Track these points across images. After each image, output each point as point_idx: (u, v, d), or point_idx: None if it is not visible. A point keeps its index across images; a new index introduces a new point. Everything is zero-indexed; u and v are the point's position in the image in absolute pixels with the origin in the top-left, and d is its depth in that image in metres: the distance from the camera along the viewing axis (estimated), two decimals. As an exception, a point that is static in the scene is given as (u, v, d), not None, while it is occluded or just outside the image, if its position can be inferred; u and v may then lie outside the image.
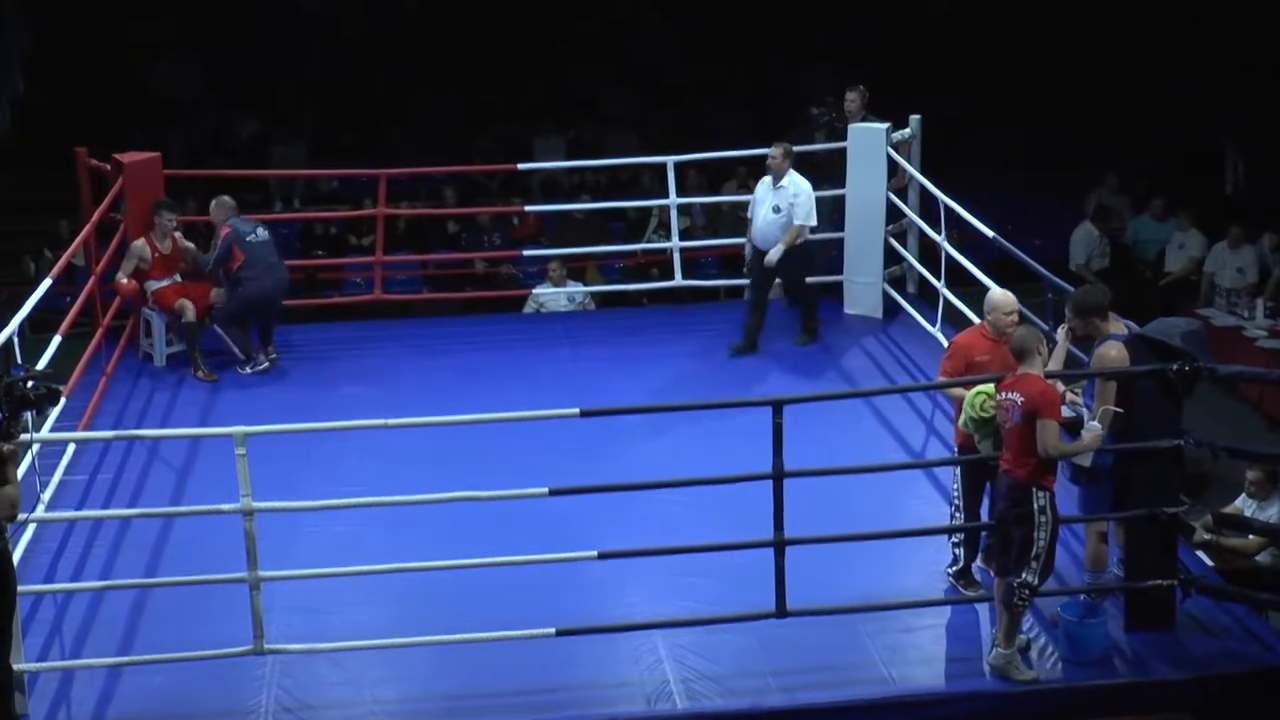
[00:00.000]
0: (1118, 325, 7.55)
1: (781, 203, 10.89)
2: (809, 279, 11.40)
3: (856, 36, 18.04)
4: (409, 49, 18.74)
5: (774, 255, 10.95)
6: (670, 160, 12.18)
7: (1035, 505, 7.05)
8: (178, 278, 11.15)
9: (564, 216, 15.69)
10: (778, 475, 7.24)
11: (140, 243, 10.98)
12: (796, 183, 10.92)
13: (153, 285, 11.03)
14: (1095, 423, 7.20)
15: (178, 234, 11.13)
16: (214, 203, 11.19)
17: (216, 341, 11.19)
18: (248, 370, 11.00)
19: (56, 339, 9.17)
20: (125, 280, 10.93)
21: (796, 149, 12.16)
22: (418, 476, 8.75)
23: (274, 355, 11.14)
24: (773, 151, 11.01)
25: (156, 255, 11.01)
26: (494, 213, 15.63)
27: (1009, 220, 14.17)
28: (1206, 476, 10.63)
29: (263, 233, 11.06)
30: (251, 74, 18.28)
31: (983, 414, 7.39)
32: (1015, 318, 7.80)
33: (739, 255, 14.35)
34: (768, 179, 11.05)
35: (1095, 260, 14.69)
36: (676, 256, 12.13)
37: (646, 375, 10.57)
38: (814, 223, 11.08)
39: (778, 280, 11.30)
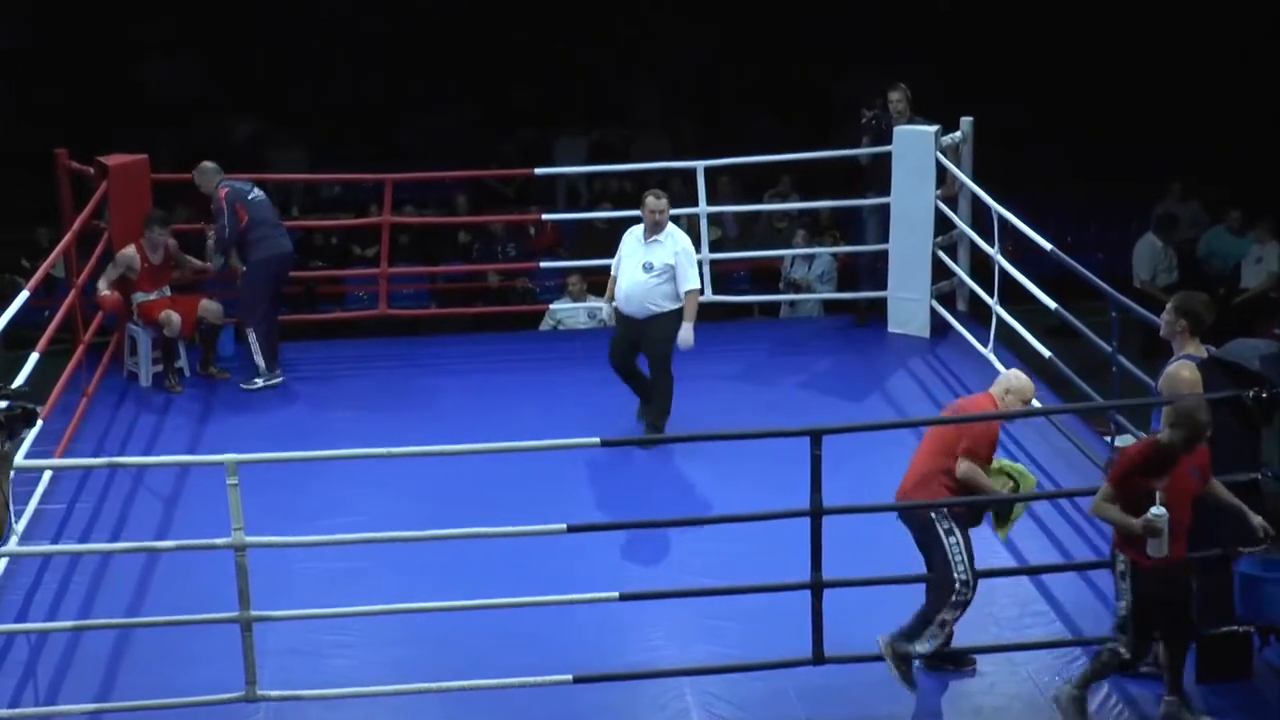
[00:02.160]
0: (1199, 348, 7.51)
1: (655, 260, 9.75)
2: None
3: (905, 38, 18.05)
4: (419, 44, 18.79)
5: (687, 337, 9.82)
6: (700, 165, 12.16)
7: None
8: (167, 290, 11.17)
9: (584, 226, 15.69)
10: (816, 513, 7.19)
11: (130, 250, 10.98)
12: (677, 238, 9.88)
13: (139, 298, 11.05)
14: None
15: (171, 242, 11.14)
16: (197, 172, 11.20)
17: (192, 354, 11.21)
18: (259, 384, 11.03)
19: (34, 356, 9.17)
20: (108, 292, 10.92)
21: (843, 153, 12.17)
22: (424, 509, 8.75)
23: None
24: (658, 203, 9.81)
25: (146, 266, 11.03)
26: (509, 222, 15.63)
27: (1068, 232, 14.13)
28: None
29: (259, 192, 11.17)
30: (248, 72, 18.36)
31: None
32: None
33: (774, 269, 14.39)
34: (637, 230, 9.93)
35: (1161, 275, 14.59)
36: (707, 270, 12.08)
37: (673, 399, 10.52)
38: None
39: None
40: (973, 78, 16.97)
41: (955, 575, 7.29)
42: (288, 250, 11.20)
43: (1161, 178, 16.47)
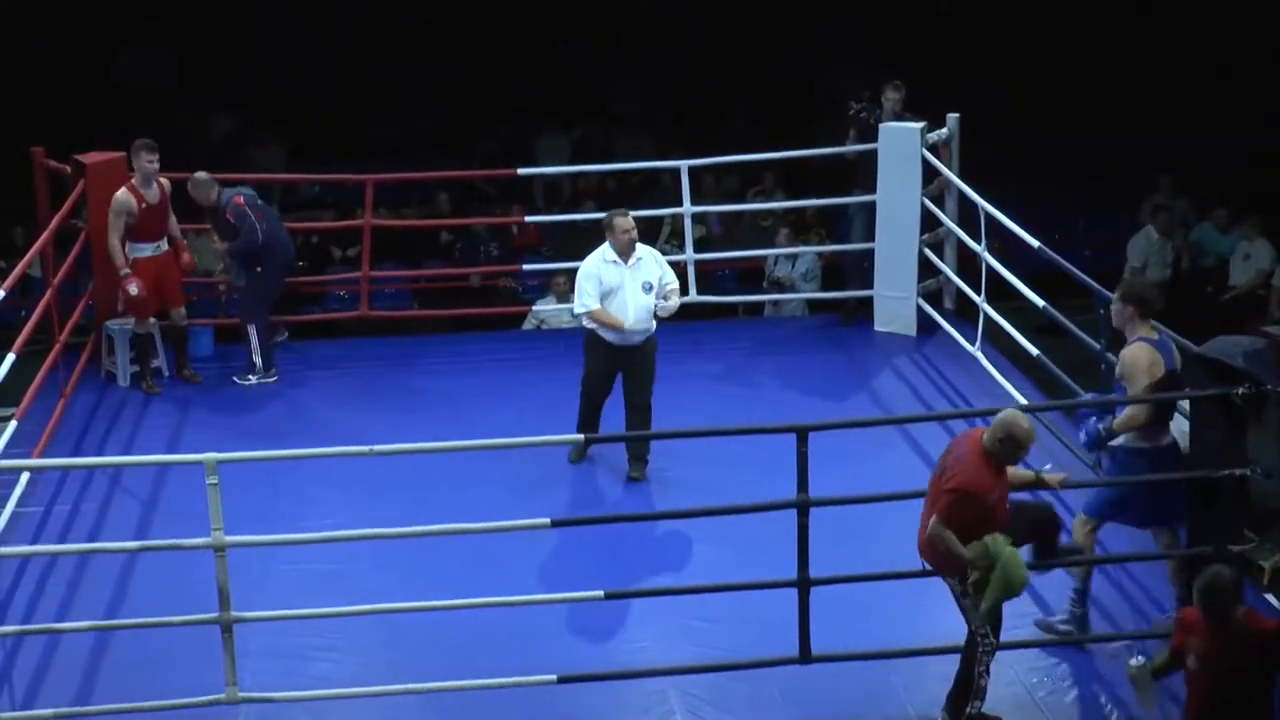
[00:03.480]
0: (1151, 330, 7.66)
1: (650, 277, 9.48)
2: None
3: (891, 34, 18.08)
4: (400, 39, 18.77)
5: (673, 305, 9.58)
6: (684, 164, 12.17)
7: None
8: (164, 245, 10.97)
9: (568, 225, 15.70)
10: (802, 505, 7.21)
11: (123, 195, 10.72)
12: (649, 249, 9.65)
13: (137, 251, 10.82)
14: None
15: (163, 180, 10.92)
16: (192, 184, 11.07)
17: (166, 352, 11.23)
18: (253, 380, 11.08)
19: (10, 357, 9.16)
20: (136, 290, 10.69)
21: (828, 151, 12.19)
22: (405, 509, 8.76)
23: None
24: (627, 222, 9.51)
25: (144, 207, 10.77)
26: (491, 222, 15.63)
27: (1056, 229, 14.15)
28: (1276, 511, 10.56)
29: (253, 193, 11.25)
30: (227, 67, 18.32)
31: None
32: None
33: (759, 269, 14.40)
34: (609, 255, 9.50)
35: (1154, 269, 14.64)
36: (691, 269, 12.11)
37: (657, 398, 10.53)
38: None
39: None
40: (960, 73, 16.99)
41: (972, 627, 7.06)
42: (294, 252, 11.39)
43: (1150, 174, 16.50)
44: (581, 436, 9.32)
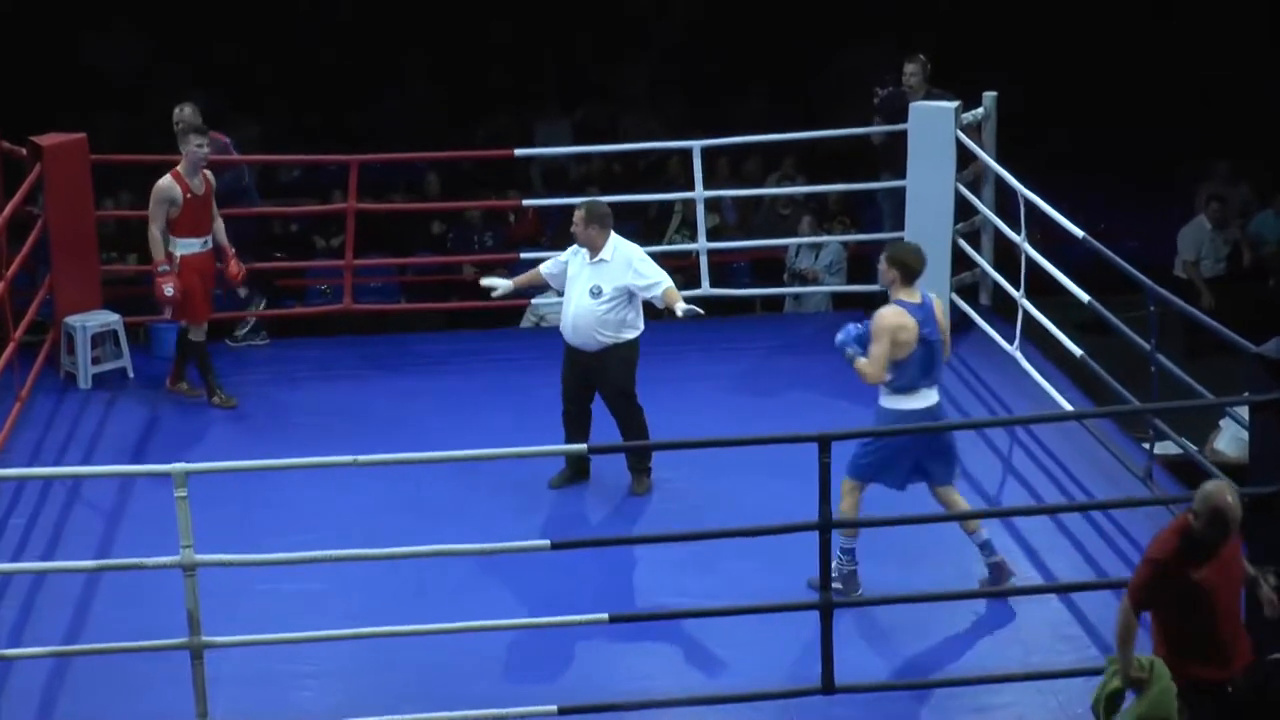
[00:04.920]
0: (912, 294, 8.09)
1: (603, 284, 9.23)
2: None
3: (910, 11, 18.06)
4: (391, 24, 18.77)
5: (687, 307, 9.22)
6: (696, 145, 12.12)
7: None
8: (209, 242, 10.68)
9: (568, 213, 15.63)
10: (824, 526, 7.17)
11: (167, 181, 10.47)
12: (626, 250, 9.36)
13: (185, 246, 10.55)
14: None
15: (208, 172, 10.69)
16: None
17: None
18: (261, 340, 11.43)
19: (-41, 357, 9.15)
20: (172, 290, 10.37)
21: (853, 131, 12.14)
22: (392, 524, 8.74)
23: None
24: (576, 212, 9.40)
25: (188, 197, 10.51)
26: (486, 208, 15.59)
27: (1101, 218, 14.10)
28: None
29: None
30: (199, 44, 18.31)
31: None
32: None
33: (778, 260, 14.36)
34: (579, 249, 9.43)
35: (1207, 262, 14.56)
36: (704, 260, 12.08)
37: (665, 403, 10.46)
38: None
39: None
40: (984, 50, 16.96)
41: None
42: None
43: (1205, 157, 16.45)
44: (584, 446, 9.14)
